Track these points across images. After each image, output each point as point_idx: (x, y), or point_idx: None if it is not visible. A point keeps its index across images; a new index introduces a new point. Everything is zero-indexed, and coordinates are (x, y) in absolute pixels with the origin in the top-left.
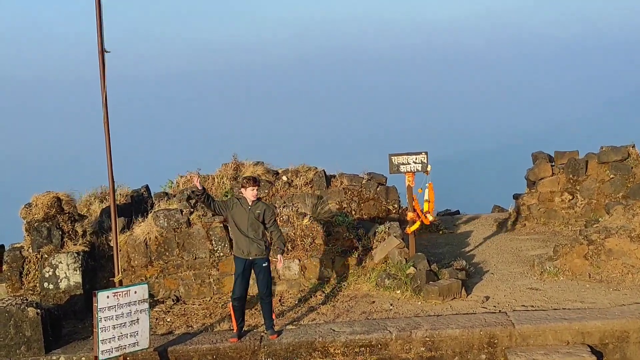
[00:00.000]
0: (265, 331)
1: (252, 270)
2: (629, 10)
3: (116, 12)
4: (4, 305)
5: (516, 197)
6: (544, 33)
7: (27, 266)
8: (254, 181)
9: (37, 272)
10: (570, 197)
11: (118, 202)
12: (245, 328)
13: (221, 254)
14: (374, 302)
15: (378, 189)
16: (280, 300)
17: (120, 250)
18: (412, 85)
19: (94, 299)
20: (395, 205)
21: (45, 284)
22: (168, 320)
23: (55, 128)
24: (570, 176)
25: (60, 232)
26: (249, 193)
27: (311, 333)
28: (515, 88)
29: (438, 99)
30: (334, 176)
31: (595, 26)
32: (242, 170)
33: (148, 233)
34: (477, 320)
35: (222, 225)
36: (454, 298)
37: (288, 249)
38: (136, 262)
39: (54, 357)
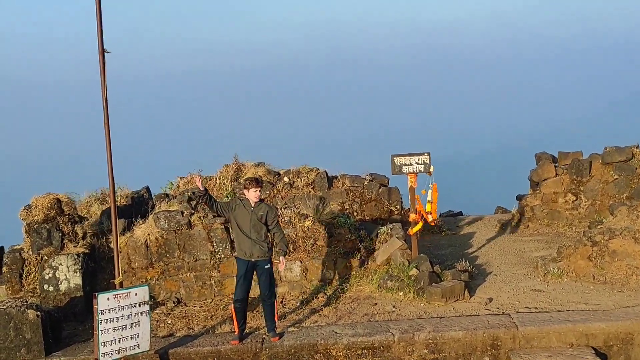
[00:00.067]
0: (266, 333)
1: (254, 272)
2: (632, 10)
3: (116, 12)
4: (4, 307)
5: (519, 198)
6: (546, 33)
7: (27, 268)
8: (257, 182)
9: (37, 274)
10: (574, 198)
11: (118, 204)
12: (246, 330)
13: (222, 256)
14: (376, 304)
15: (380, 190)
16: (282, 302)
17: (120, 252)
18: (414, 86)
19: (95, 301)
20: (398, 207)
21: (45, 286)
22: (169, 322)
23: (55, 129)
24: (574, 177)
25: (60, 234)
26: (252, 194)
27: (313, 335)
28: (518, 88)
29: (440, 100)
30: (336, 177)
31: (598, 26)
32: (243, 171)
33: (149, 234)
34: (480, 322)
35: (223, 226)
36: (457, 300)
37: (290, 251)
38: (137, 263)
39: None
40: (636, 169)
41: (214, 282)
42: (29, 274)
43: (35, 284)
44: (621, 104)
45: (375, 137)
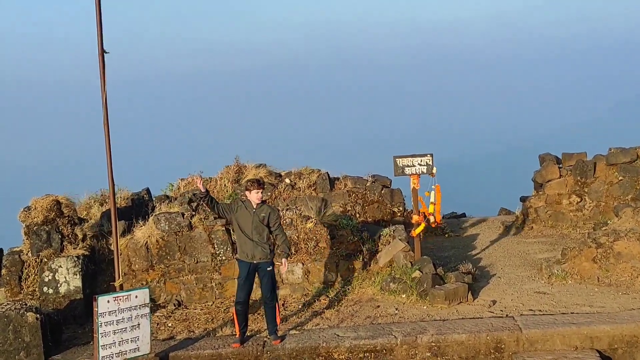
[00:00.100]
0: (268, 336)
1: (256, 274)
2: (633, 10)
3: (116, 12)
4: (3, 310)
5: (523, 199)
6: (548, 33)
7: (27, 270)
8: (259, 184)
9: (36, 277)
10: (579, 200)
11: (118, 205)
12: (247, 333)
13: (223, 258)
14: (378, 306)
15: (382, 192)
16: (283, 305)
17: (120, 254)
18: (414, 86)
19: (94, 303)
20: (400, 208)
21: (45, 289)
22: (169, 325)
23: (55, 130)
24: (578, 178)
25: (60, 236)
26: (254, 196)
27: (315, 338)
28: (521, 89)
29: (442, 100)
30: (338, 179)
31: (603, 28)
32: (245, 173)
33: (149, 236)
34: (483, 325)
35: (224, 228)
36: (460, 302)
37: (292, 253)
38: (137, 266)
39: None
40: None
41: (215, 285)
42: (29, 277)
43: (35, 286)
44: (625, 104)
45: (377, 138)
